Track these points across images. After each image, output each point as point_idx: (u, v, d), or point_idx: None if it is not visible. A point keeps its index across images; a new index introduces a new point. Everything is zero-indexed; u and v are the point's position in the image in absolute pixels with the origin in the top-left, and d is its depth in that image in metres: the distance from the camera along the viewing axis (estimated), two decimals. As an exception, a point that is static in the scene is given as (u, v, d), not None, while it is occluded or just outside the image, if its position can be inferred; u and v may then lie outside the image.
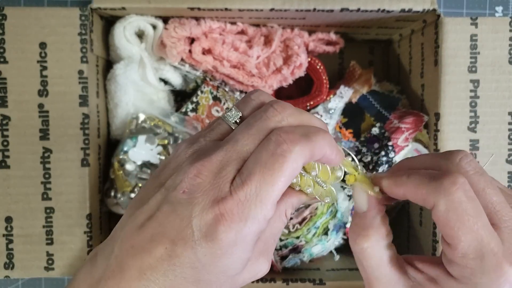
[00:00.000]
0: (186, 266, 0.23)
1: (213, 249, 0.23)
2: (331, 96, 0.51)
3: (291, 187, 0.27)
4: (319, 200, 0.28)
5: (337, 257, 0.52)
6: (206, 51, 0.50)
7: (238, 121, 0.26)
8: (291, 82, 0.51)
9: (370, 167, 0.48)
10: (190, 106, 0.50)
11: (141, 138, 0.48)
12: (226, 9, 0.45)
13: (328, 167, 0.27)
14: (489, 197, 0.24)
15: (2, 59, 0.44)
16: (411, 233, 0.53)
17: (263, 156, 0.23)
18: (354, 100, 0.52)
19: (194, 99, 0.50)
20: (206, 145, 0.26)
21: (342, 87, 0.52)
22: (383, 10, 0.45)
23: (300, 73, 0.51)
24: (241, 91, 0.52)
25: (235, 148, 0.24)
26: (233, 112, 0.26)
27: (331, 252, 0.52)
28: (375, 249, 0.27)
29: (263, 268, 0.26)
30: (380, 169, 0.48)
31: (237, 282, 0.25)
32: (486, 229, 0.23)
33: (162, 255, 0.23)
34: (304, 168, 0.27)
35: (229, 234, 0.23)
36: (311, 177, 0.27)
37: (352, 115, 0.51)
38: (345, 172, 0.28)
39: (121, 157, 0.48)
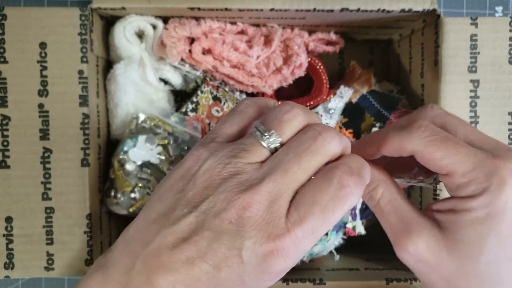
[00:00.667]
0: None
1: (261, 276, 0.23)
2: (331, 96, 0.51)
3: None
4: None
5: (337, 257, 0.52)
6: (206, 51, 0.50)
7: (278, 147, 0.25)
8: (291, 82, 0.51)
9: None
10: (190, 106, 0.50)
11: (141, 138, 0.48)
12: (226, 9, 0.45)
13: None
14: (463, 130, 0.26)
15: (2, 59, 0.44)
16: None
17: (324, 197, 0.23)
18: (354, 100, 0.52)
19: (194, 99, 0.50)
20: (245, 169, 0.24)
21: (342, 87, 0.52)
22: (383, 10, 0.45)
23: (300, 73, 0.51)
24: (241, 91, 0.52)
25: (285, 180, 0.23)
26: (273, 138, 0.25)
27: (331, 252, 0.52)
28: (386, 196, 0.28)
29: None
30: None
31: None
32: (466, 145, 0.25)
33: (200, 277, 0.23)
34: None
35: (280, 267, 0.23)
36: None
37: (352, 115, 0.51)
38: None
39: (121, 157, 0.48)
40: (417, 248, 0.26)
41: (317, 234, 0.23)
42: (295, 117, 0.25)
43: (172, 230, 0.23)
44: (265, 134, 0.25)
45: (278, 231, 0.22)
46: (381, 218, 0.28)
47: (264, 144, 0.25)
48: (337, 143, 0.24)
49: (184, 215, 0.24)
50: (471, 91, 0.46)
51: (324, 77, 0.51)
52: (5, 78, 0.44)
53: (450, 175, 0.25)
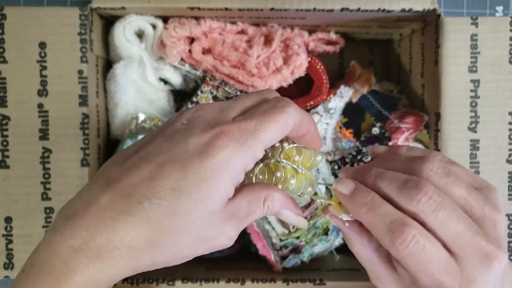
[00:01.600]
0: (168, 188, 0.23)
1: (203, 166, 0.23)
2: (331, 96, 0.51)
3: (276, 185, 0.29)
4: (302, 195, 0.29)
5: (337, 257, 0.52)
6: (206, 51, 0.50)
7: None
8: (291, 82, 0.51)
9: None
10: (190, 106, 0.50)
11: (141, 138, 0.48)
12: (226, 8, 0.45)
13: (308, 153, 0.30)
14: (446, 232, 0.25)
15: (1, 59, 0.44)
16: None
17: (264, 106, 0.26)
18: (354, 100, 0.52)
19: (194, 99, 0.50)
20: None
21: (342, 87, 0.52)
22: (383, 10, 0.45)
23: (300, 73, 0.50)
24: (241, 91, 0.52)
25: (236, 101, 0.27)
26: (235, 91, 0.29)
27: (331, 252, 0.52)
28: (362, 252, 0.29)
29: (230, 232, 0.26)
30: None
31: (208, 231, 0.25)
32: (441, 270, 0.25)
33: (143, 179, 0.23)
34: (287, 156, 0.29)
35: (224, 150, 0.24)
36: (293, 166, 0.29)
37: (352, 115, 0.51)
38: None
39: (121, 157, 0.48)
40: None
41: (259, 134, 0.25)
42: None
43: (128, 149, 0.26)
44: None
45: (224, 122, 0.25)
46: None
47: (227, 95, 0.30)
48: (281, 97, 0.28)
49: (143, 138, 0.27)
50: (471, 91, 0.46)
51: (324, 77, 0.51)
52: (4, 78, 0.44)
53: (415, 278, 0.26)
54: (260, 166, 0.29)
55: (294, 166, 0.29)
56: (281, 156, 0.29)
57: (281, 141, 0.30)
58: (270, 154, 0.29)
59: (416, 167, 0.27)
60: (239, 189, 0.27)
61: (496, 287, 0.26)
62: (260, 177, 0.29)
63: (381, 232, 0.26)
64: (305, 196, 0.30)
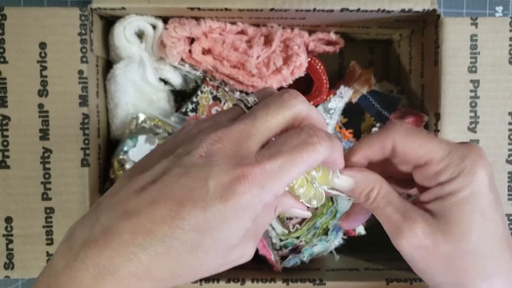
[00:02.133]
0: (189, 229, 0.22)
1: (225, 209, 0.23)
2: (331, 96, 0.51)
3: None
4: (305, 203, 0.28)
5: (337, 257, 0.52)
6: (206, 51, 0.50)
7: (253, 106, 0.27)
8: (291, 82, 0.51)
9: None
10: (190, 106, 0.50)
11: (141, 138, 0.48)
12: (226, 9, 0.45)
13: (326, 172, 0.29)
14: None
15: (2, 59, 0.44)
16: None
17: (294, 141, 0.25)
18: (354, 100, 0.52)
19: (194, 99, 0.50)
20: (222, 121, 0.26)
21: (342, 87, 0.52)
22: (383, 10, 0.45)
23: (300, 73, 0.51)
24: (241, 91, 0.52)
25: (255, 123, 0.25)
26: (250, 98, 0.27)
27: (331, 252, 0.52)
28: (382, 193, 0.30)
29: (250, 251, 0.27)
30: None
31: (229, 258, 0.25)
32: (437, 137, 0.27)
33: (163, 217, 0.22)
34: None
35: (246, 195, 0.23)
36: (306, 177, 0.28)
37: (352, 115, 0.51)
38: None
39: (121, 157, 0.48)
40: (415, 234, 0.27)
41: (284, 175, 0.24)
42: (271, 89, 0.29)
43: (143, 175, 0.24)
44: (245, 98, 0.27)
45: (246, 161, 0.23)
46: (379, 213, 0.29)
47: (242, 102, 0.27)
48: (303, 100, 0.26)
49: (158, 161, 0.24)
50: (471, 91, 0.46)
51: (324, 77, 0.51)
52: (5, 78, 0.44)
53: (428, 164, 0.28)
54: None
55: (308, 177, 0.28)
56: None
57: None
58: None
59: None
60: None
61: None
62: None
63: (373, 136, 0.29)
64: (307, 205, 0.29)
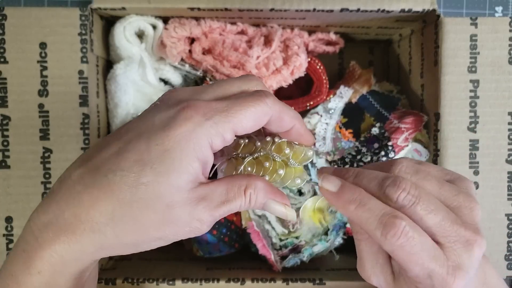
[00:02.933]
0: (131, 161, 0.23)
1: (167, 138, 0.23)
2: (331, 96, 0.51)
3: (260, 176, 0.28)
4: (291, 187, 0.29)
5: (337, 257, 0.52)
6: (206, 51, 0.50)
7: None
8: (291, 82, 0.51)
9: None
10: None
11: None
12: (226, 9, 0.45)
13: (299, 149, 0.30)
14: (426, 224, 0.26)
15: (2, 59, 0.44)
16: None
17: (241, 94, 0.26)
18: (354, 100, 0.52)
19: (194, 99, 0.51)
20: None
21: (342, 87, 0.52)
22: (383, 10, 0.45)
23: (300, 73, 0.51)
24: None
25: (213, 85, 0.27)
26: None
27: (331, 251, 0.52)
28: (365, 243, 0.30)
29: (200, 216, 0.25)
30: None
31: (175, 218, 0.24)
32: (429, 259, 0.25)
33: (111, 154, 0.24)
34: (278, 150, 0.29)
35: (188, 122, 0.24)
36: (283, 159, 0.29)
37: (352, 115, 0.51)
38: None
39: (121, 157, 0.48)
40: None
41: (230, 116, 0.25)
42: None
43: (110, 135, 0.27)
44: None
45: (194, 98, 0.25)
46: (358, 249, 0.31)
47: None
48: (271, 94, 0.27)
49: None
50: (471, 91, 0.46)
51: (324, 77, 0.51)
52: (5, 78, 0.44)
53: (407, 271, 0.26)
54: (250, 158, 0.29)
55: (284, 159, 0.29)
56: (272, 149, 0.29)
57: (273, 136, 0.30)
58: (260, 147, 0.29)
59: (387, 170, 0.28)
60: (218, 179, 0.27)
61: (478, 271, 0.27)
62: (249, 169, 0.29)
63: (372, 226, 0.26)
64: (294, 188, 0.30)
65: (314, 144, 0.31)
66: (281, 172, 0.28)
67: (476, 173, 0.46)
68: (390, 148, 0.48)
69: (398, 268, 0.28)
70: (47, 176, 0.45)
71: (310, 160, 0.30)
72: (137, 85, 0.50)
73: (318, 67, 0.51)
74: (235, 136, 0.26)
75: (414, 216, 0.26)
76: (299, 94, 0.55)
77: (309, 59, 0.51)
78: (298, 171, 0.29)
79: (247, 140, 0.30)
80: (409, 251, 0.25)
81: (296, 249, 0.50)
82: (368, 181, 0.27)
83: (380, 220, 0.26)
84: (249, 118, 0.25)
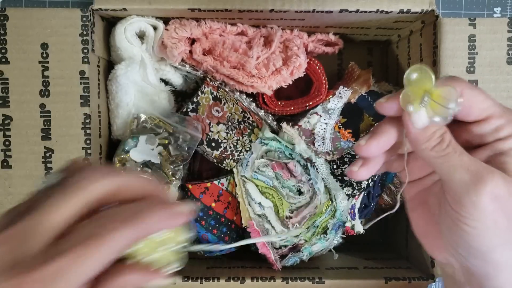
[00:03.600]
0: None
1: None
2: (330, 96, 0.52)
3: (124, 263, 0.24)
4: (165, 268, 0.24)
5: (336, 256, 0.52)
6: (207, 52, 0.50)
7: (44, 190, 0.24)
8: (290, 82, 0.51)
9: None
10: (191, 106, 0.51)
11: (142, 138, 0.48)
12: (226, 10, 0.45)
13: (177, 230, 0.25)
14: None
15: (4, 60, 0.45)
16: (409, 232, 0.53)
17: (81, 233, 0.21)
18: (353, 100, 0.52)
19: (195, 99, 0.51)
20: (10, 216, 0.23)
21: (341, 87, 0.52)
22: (382, 11, 0.46)
23: (300, 73, 0.51)
24: (241, 92, 0.53)
25: (38, 216, 0.22)
26: (50, 178, 0.24)
27: (330, 251, 0.52)
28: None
29: None
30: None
31: None
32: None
33: None
34: (146, 252, 0.24)
35: None
36: (153, 244, 0.24)
37: (351, 115, 0.51)
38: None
39: (122, 156, 0.48)
40: (497, 184, 0.25)
41: (66, 274, 0.21)
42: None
43: None
44: (47, 177, 0.24)
45: (22, 268, 0.21)
46: (452, 162, 0.27)
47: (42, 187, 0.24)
48: (101, 177, 0.23)
49: None
50: (469, 91, 0.46)
51: (323, 78, 0.52)
52: (7, 79, 0.45)
53: (488, 119, 0.27)
54: None
55: (152, 242, 0.24)
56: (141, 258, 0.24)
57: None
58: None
59: None
60: None
61: None
62: None
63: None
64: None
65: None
66: (146, 259, 0.24)
67: (474, 172, 0.46)
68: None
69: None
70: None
71: (186, 241, 0.25)
72: (138, 85, 0.50)
73: (317, 67, 0.52)
74: None
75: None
76: (299, 94, 0.55)
77: (309, 60, 0.51)
78: (172, 256, 0.25)
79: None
80: (478, 89, 0.27)
81: (296, 248, 0.51)
82: None
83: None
84: (91, 265, 0.21)
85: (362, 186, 0.50)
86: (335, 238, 0.51)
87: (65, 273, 0.20)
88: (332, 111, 0.51)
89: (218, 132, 0.51)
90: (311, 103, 0.51)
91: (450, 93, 0.26)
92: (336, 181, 0.49)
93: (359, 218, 0.52)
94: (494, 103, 0.27)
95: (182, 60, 0.50)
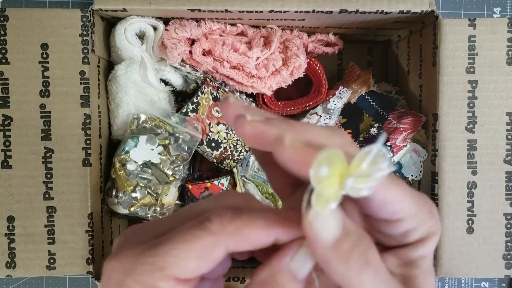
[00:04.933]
0: None
1: None
2: (330, 96, 0.52)
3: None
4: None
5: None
6: (207, 52, 0.50)
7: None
8: (290, 83, 0.51)
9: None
10: (191, 107, 0.51)
11: (142, 138, 0.48)
12: (226, 10, 0.45)
13: None
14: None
15: (4, 60, 0.45)
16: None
17: (184, 226, 0.21)
18: (353, 101, 0.52)
19: (195, 100, 0.51)
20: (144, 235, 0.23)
21: (341, 87, 0.52)
22: (382, 12, 0.46)
23: (299, 74, 0.51)
24: (241, 92, 0.53)
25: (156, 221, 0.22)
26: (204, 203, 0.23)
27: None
28: None
29: None
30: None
31: None
32: (406, 185, 0.21)
33: None
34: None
35: (109, 283, 0.20)
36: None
37: (351, 116, 0.51)
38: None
39: (122, 156, 0.48)
40: None
41: (155, 259, 0.20)
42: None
43: None
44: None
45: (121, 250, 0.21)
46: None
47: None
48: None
49: None
50: (469, 91, 0.46)
51: (323, 78, 0.52)
52: (7, 79, 0.45)
53: (399, 221, 0.21)
54: None
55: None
56: None
57: None
58: None
59: None
60: None
61: None
62: None
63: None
64: None
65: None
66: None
67: (474, 173, 0.46)
68: (388, 148, 0.48)
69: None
70: (48, 176, 0.45)
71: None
72: (138, 85, 0.50)
73: (317, 68, 0.52)
74: None
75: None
76: (298, 94, 0.55)
77: (309, 60, 0.51)
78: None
79: None
80: (394, 183, 0.20)
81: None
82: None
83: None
84: (184, 257, 0.19)
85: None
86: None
87: (158, 257, 0.19)
88: (332, 111, 0.51)
89: (218, 132, 0.51)
90: (311, 103, 0.51)
91: (373, 158, 0.19)
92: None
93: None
94: (411, 199, 0.21)
95: (182, 60, 0.50)
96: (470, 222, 0.46)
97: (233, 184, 0.52)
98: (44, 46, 0.45)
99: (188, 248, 0.20)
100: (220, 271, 0.25)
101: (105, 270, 0.20)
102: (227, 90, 0.52)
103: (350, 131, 0.51)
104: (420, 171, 0.50)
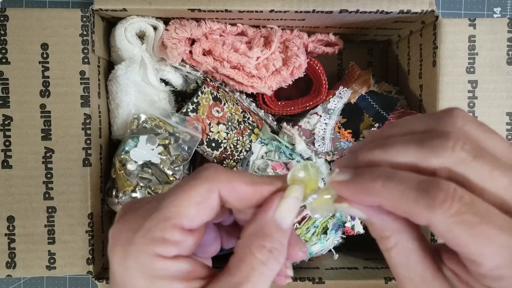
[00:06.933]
0: None
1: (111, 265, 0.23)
2: (330, 96, 0.52)
3: None
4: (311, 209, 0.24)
5: (336, 256, 0.52)
6: (207, 52, 0.50)
7: None
8: (290, 83, 0.51)
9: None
10: (191, 107, 0.51)
11: (142, 138, 0.48)
12: (226, 10, 0.45)
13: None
14: (497, 183, 0.19)
15: (4, 60, 0.45)
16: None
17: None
18: (353, 101, 0.52)
19: (195, 100, 0.51)
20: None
21: (341, 87, 0.52)
22: (382, 12, 0.46)
23: (300, 74, 0.51)
24: (241, 92, 0.53)
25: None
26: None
27: (330, 251, 0.52)
28: (399, 247, 0.21)
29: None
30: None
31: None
32: (504, 230, 0.18)
33: None
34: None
35: (116, 246, 0.23)
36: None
37: (351, 116, 0.51)
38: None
39: (122, 156, 0.48)
40: None
41: (158, 212, 0.22)
42: None
43: None
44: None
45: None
46: (391, 267, 0.23)
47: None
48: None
49: None
50: (469, 91, 0.46)
51: (323, 78, 0.52)
52: (7, 79, 0.45)
53: (476, 263, 0.19)
54: None
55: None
56: None
57: None
58: None
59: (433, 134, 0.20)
60: None
61: None
62: None
63: (410, 199, 0.18)
64: None
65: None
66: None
67: (474, 173, 0.46)
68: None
69: (454, 276, 0.21)
70: (48, 176, 0.45)
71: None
72: (138, 85, 0.50)
73: (317, 67, 0.52)
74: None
75: (477, 173, 0.18)
76: (299, 94, 0.55)
77: (309, 60, 0.51)
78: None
79: None
80: (470, 222, 0.18)
81: (296, 249, 0.51)
82: (403, 143, 0.20)
83: (420, 187, 0.18)
84: (185, 205, 0.21)
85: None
86: (335, 238, 0.51)
87: (161, 210, 0.21)
88: (332, 111, 0.51)
89: (218, 132, 0.51)
90: (311, 103, 0.51)
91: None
92: (336, 181, 0.49)
93: (359, 218, 0.52)
94: (497, 250, 0.18)
95: (182, 60, 0.50)
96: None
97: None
98: (44, 46, 0.45)
99: (187, 196, 0.21)
100: (211, 251, 0.27)
101: (111, 234, 0.22)
102: (227, 90, 0.52)
103: (350, 131, 0.51)
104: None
